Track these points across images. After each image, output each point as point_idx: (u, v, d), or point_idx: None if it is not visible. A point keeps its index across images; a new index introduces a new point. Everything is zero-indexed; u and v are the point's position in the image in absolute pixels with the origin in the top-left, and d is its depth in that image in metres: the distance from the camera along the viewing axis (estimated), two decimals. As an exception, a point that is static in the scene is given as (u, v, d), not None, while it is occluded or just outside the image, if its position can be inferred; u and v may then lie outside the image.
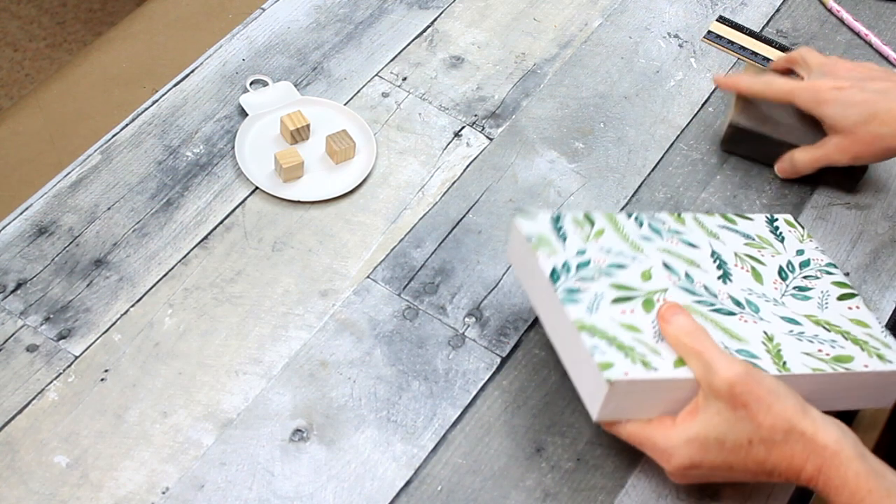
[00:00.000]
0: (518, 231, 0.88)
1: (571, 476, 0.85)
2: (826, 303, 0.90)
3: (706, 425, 0.76)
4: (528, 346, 0.92)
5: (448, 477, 0.85)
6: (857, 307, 0.90)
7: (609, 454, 0.87)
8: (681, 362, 0.79)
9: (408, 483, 0.84)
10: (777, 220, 0.97)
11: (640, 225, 0.91)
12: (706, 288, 0.87)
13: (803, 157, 1.02)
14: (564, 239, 0.87)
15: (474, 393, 0.89)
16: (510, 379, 0.90)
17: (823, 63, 1.01)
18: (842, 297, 0.90)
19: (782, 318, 0.86)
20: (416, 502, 0.83)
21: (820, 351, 0.84)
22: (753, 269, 0.90)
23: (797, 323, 0.86)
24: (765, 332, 0.84)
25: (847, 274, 0.99)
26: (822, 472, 0.75)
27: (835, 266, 0.93)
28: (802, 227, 0.97)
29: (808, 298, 0.89)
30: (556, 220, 0.89)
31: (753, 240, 0.93)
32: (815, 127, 1.02)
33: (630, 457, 0.87)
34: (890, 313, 0.97)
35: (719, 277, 0.88)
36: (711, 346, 0.78)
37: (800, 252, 0.94)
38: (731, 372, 0.76)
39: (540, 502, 0.84)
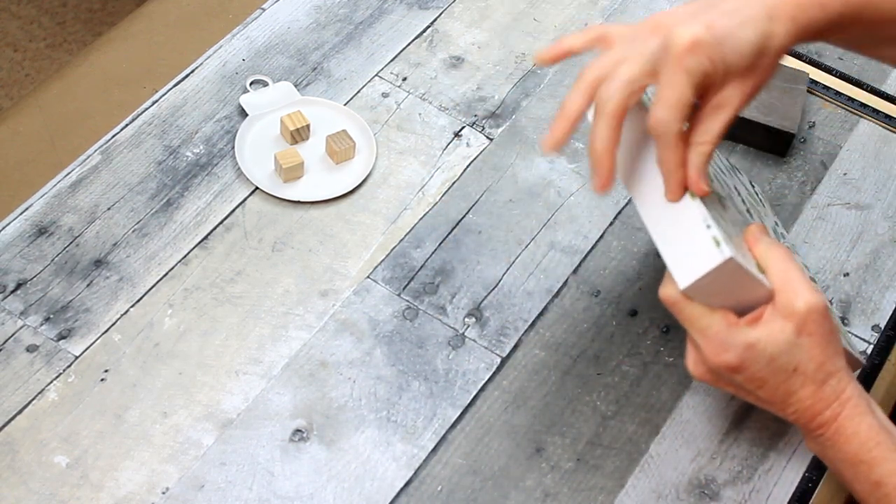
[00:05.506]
0: None
1: (571, 476, 0.85)
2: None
3: (768, 337, 0.76)
4: (528, 346, 0.92)
5: (448, 477, 0.85)
6: None
7: (609, 454, 0.87)
8: (761, 270, 0.77)
9: (408, 483, 0.84)
10: (755, 186, 0.96)
11: None
12: (750, 214, 0.85)
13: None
14: None
15: (474, 393, 0.89)
16: (510, 379, 0.90)
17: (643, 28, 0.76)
18: None
19: None
20: (416, 502, 0.83)
21: None
22: (762, 220, 0.89)
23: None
24: None
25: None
26: (838, 419, 0.77)
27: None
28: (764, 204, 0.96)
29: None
30: None
31: (750, 193, 0.92)
32: None
33: (630, 457, 0.87)
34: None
35: (747, 210, 0.87)
36: (798, 268, 0.78)
37: (777, 224, 0.94)
38: (813, 299, 0.76)
39: (540, 502, 0.84)
